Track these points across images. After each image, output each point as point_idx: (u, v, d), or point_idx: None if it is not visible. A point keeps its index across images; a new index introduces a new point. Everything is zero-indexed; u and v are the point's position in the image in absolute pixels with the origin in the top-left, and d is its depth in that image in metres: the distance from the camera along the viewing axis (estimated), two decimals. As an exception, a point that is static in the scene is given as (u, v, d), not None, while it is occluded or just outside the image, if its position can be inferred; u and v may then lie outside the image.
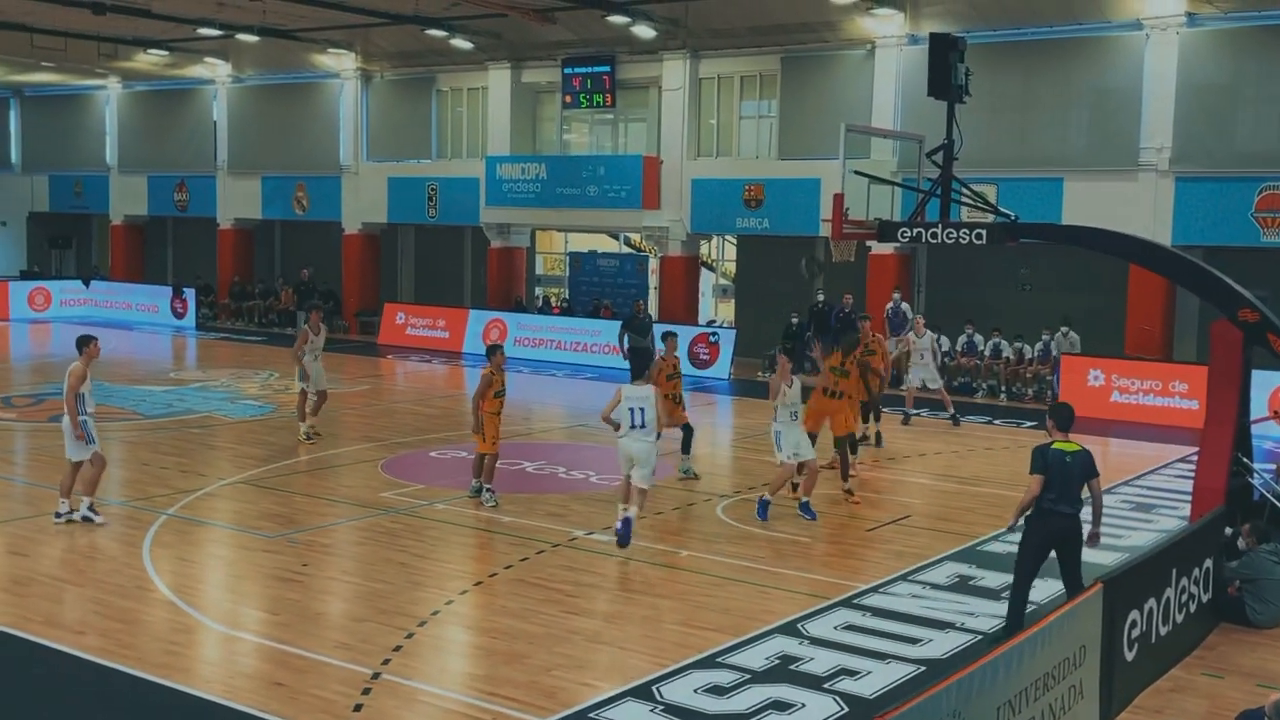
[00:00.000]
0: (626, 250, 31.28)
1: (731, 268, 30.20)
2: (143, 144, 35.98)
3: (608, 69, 27.24)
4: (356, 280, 31.88)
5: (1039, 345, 22.10)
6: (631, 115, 28.64)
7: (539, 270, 32.42)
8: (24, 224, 39.73)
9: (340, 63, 30.96)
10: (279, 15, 26.23)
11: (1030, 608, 9.04)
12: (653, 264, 28.94)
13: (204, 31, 27.65)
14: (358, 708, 7.73)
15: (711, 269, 30.37)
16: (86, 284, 35.15)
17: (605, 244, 31.47)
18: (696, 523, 12.80)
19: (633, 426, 11.56)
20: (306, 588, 10.32)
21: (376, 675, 8.26)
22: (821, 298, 24.44)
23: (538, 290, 31.82)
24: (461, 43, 27.53)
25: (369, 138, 31.49)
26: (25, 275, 37.67)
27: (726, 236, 29.26)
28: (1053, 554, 8.86)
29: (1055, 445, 8.74)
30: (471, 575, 10.67)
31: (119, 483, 14.23)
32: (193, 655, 8.82)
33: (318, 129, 32.23)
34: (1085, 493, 8.74)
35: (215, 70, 33.03)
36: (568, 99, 28.06)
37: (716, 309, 30.02)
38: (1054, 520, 8.63)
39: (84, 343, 12.24)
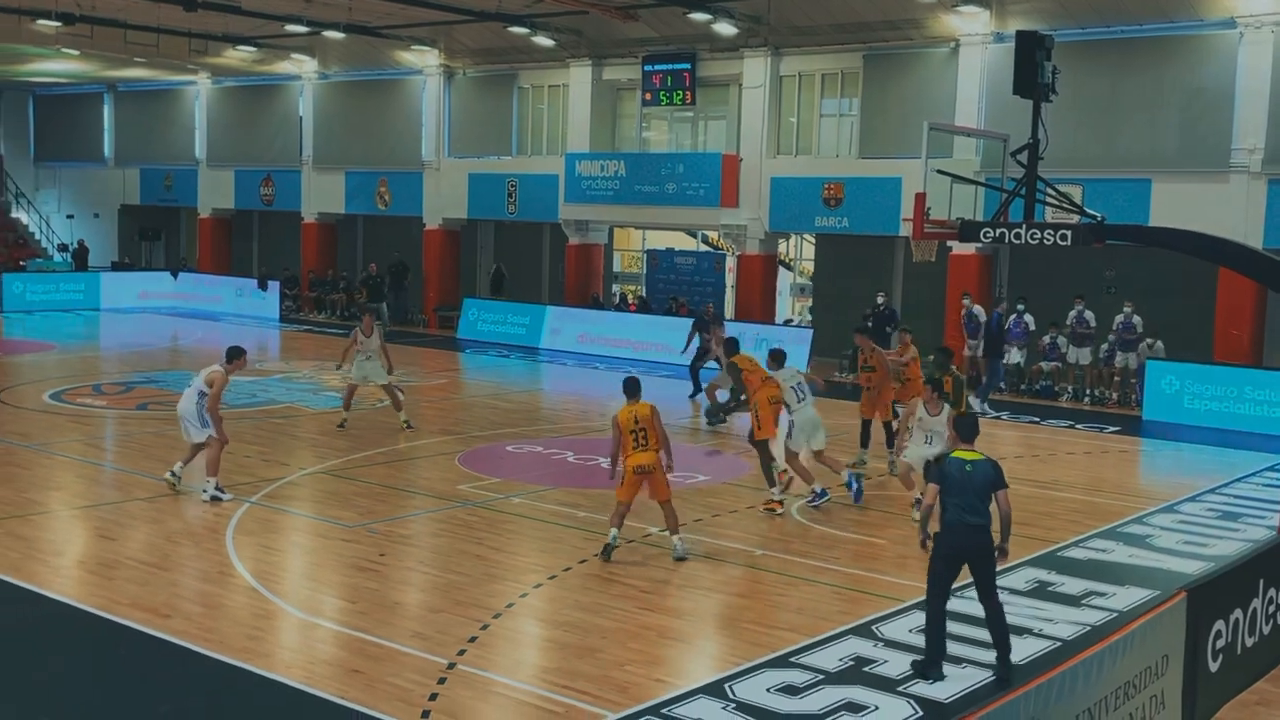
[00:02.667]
0: (704, 248, 31.24)
1: (809, 267, 30.03)
2: (231, 139, 36.72)
3: (688, 66, 27.22)
4: (436, 275, 32.22)
5: (1105, 346, 21.68)
6: (711, 113, 28.59)
7: (616, 267, 32.51)
8: (116, 216, 40.78)
9: (424, 59, 31.32)
10: (364, 12, 26.59)
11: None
12: (730, 262, 28.89)
13: (291, 28, 28.10)
14: (433, 697, 7.83)
15: (789, 268, 30.23)
16: (175, 276, 35.96)
17: (683, 242, 31.47)
18: (772, 522, 12.75)
19: (799, 401, 12.87)
20: (384, 577, 10.47)
21: (452, 665, 8.35)
22: (882, 300, 24.20)
23: (615, 287, 31.91)
24: (543, 40, 27.70)
25: (451, 134, 31.82)
26: (116, 266, 38.69)
27: (805, 235, 29.09)
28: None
29: (954, 454, 8.35)
30: (546, 569, 10.73)
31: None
32: (273, 641, 8.99)
33: (401, 125, 32.64)
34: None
35: (302, 66, 33.59)
36: (648, 96, 28.09)
37: (794, 308, 29.87)
38: (960, 533, 8.10)
39: (235, 354, 13.05)
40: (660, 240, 31.42)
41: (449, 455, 15.51)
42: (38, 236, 40.43)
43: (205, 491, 12.70)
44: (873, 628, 9.27)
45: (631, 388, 11.23)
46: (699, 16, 24.81)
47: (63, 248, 39.31)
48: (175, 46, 31.15)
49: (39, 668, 8.29)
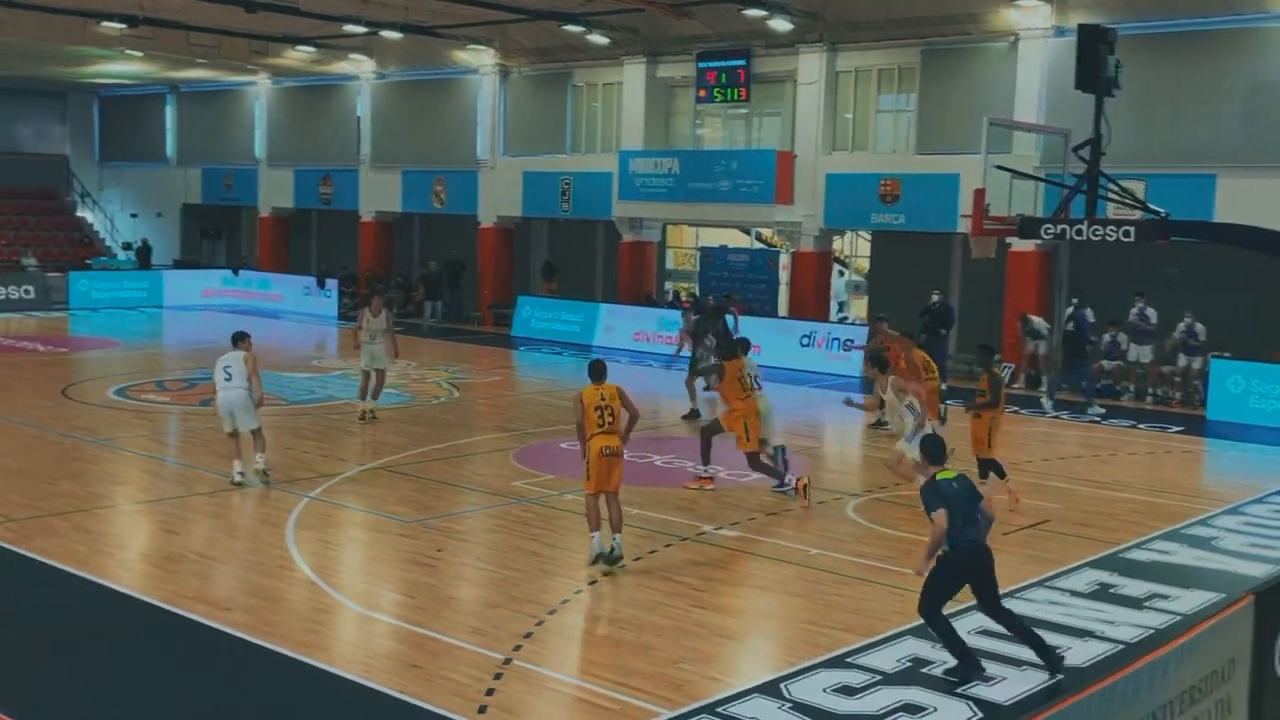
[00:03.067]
0: (758, 245, 31.14)
1: (865, 264, 29.82)
2: (290, 138, 37.16)
3: (743, 63, 27.13)
4: (491, 273, 32.39)
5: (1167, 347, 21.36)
6: (766, 109, 28.48)
7: (669, 265, 32.49)
8: (178, 215, 41.41)
9: (479, 58, 31.49)
10: (421, 12, 26.79)
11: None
12: (784, 259, 28.77)
13: (349, 28, 28.39)
14: (490, 692, 7.86)
15: (844, 265, 30.05)
16: (235, 273, 36.45)
17: (736, 239, 31.39)
18: (826, 521, 12.68)
19: (755, 391, 13.24)
20: (441, 573, 10.54)
21: (508, 661, 8.39)
22: (937, 297, 23.95)
23: (668, 284, 31.90)
24: (598, 38, 27.74)
25: (506, 132, 31.97)
26: (178, 264, 39.30)
27: (860, 232, 28.90)
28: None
29: (940, 477, 8.26)
30: (601, 566, 10.73)
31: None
32: (332, 634, 9.08)
33: (456, 124, 32.84)
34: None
35: (360, 66, 33.91)
36: (702, 93, 28.04)
37: (849, 305, 29.70)
38: (968, 549, 8.14)
39: (242, 336, 13.73)
40: (714, 237, 31.36)
41: (504, 452, 15.59)
42: (102, 235, 41.17)
43: (261, 465, 13.44)
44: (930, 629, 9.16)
45: (596, 371, 10.91)
46: (754, 13, 24.72)
47: (127, 246, 40.00)
48: (236, 47, 31.59)
49: (106, 659, 8.43)
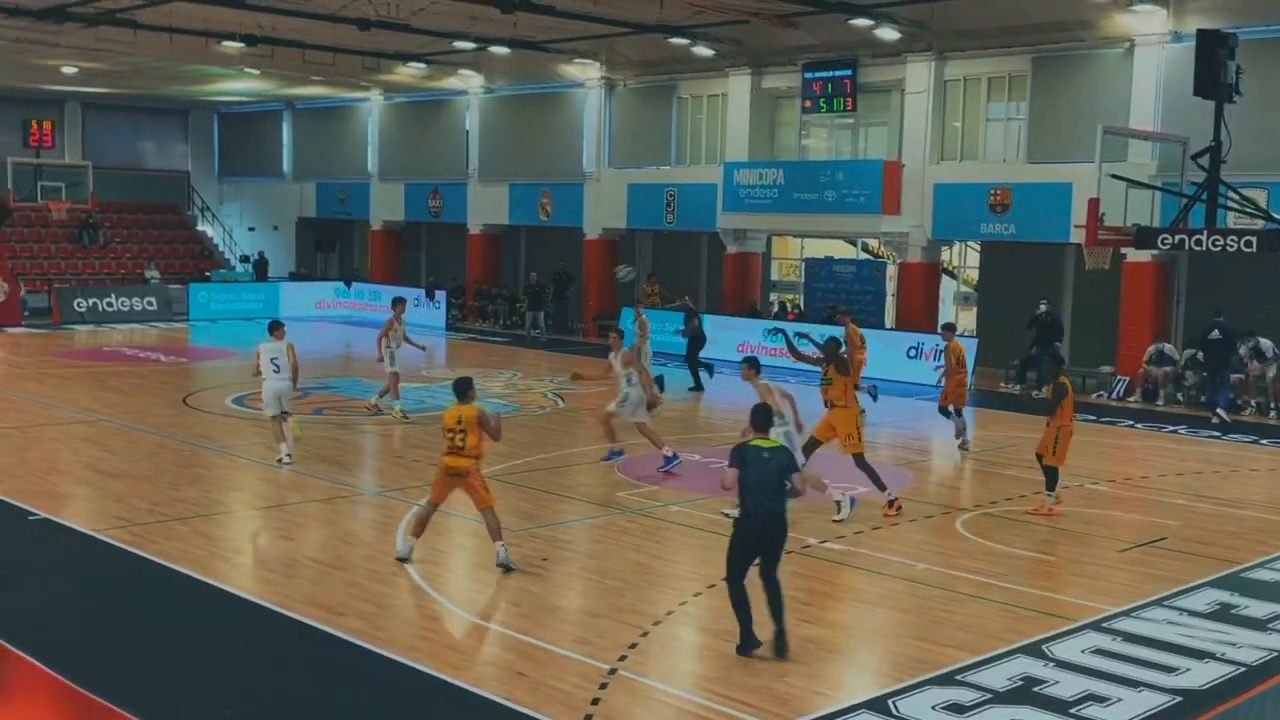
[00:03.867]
0: (864, 256, 30.85)
1: (974, 274, 29.35)
2: (401, 153, 37.92)
3: (849, 73, 26.95)
4: (596, 284, 32.62)
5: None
6: (872, 119, 28.23)
7: (774, 276, 32.37)
8: (293, 228, 42.55)
9: (585, 72, 31.78)
10: (529, 27, 27.14)
11: None
12: (891, 270, 28.46)
13: (459, 45, 28.89)
14: (595, 701, 7.91)
15: (953, 276, 29.60)
16: (348, 285, 37.29)
17: (842, 250, 31.13)
18: (934, 536, 12.50)
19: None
20: (546, 581, 10.64)
21: (613, 671, 8.43)
22: (1044, 307, 23.46)
23: (772, 296, 31.77)
24: (703, 50, 27.81)
25: (611, 145, 32.20)
26: (293, 276, 40.36)
27: (969, 243, 28.45)
28: None
29: (753, 442, 8.77)
30: (704, 578, 10.73)
31: (374, 473, 15.07)
32: (440, 641, 9.22)
33: (562, 137, 33.18)
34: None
35: (469, 81, 34.48)
36: (807, 104, 27.91)
37: (957, 317, 29.23)
38: (761, 519, 8.59)
39: (276, 326, 15.52)
40: (819, 248, 31.15)
41: (608, 463, 15.66)
42: (221, 248, 42.46)
43: (288, 458, 14.85)
44: (1043, 647, 8.99)
45: (461, 388, 10.79)
46: (861, 22, 24.54)
47: (244, 259, 41.21)
48: (350, 65, 32.36)
49: (221, 660, 8.68)
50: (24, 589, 10.29)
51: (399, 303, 19.26)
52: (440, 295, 34.66)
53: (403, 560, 10.88)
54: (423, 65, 32.26)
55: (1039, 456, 13.32)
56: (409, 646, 8.85)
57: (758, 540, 8.67)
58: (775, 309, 30.76)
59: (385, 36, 28.19)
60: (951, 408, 17.39)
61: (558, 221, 33.51)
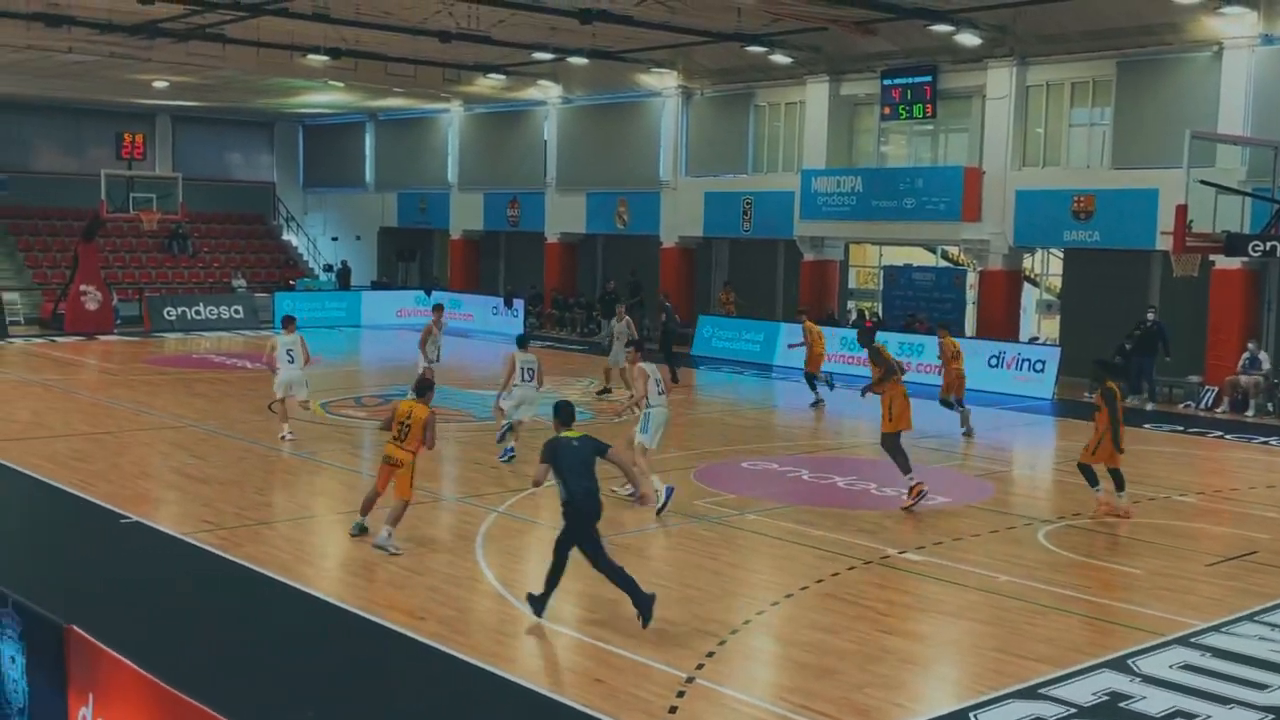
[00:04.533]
0: (943, 264, 30.53)
1: (1057, 282, 28.90)
2: (480, 163, 38.34)
3: (929, 79, 26.71)
4: (672, 293, 32.62)
5: None
6: (952, 125, 27.95)
7: (851, 284, 32.16)
8: (375, 238, 43.21)
9: (662, 81, 31.88)
10: (607, 37, 27.31)
11: None
12: (971, 278, 28.13)
13: (538, 56, 29.15)
14: (673, 710, 7.92)
15: (1035, 283, 29.18)
16: (428, 294, 37.75)
17: (921, 257, 30.84)
18: (1016, 548, 12.32)
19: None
20: (623, 589, 10.66)
21: (690, 679, 8.44)
22: (1152, 316, 22.98)
23: (850, 304, 31.57)
24: (781, 58, 27.75)
25: (688, 153, 32.25)
26: (375, 285, 40.97)
27: (1052, 250, 28.03)
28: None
29: (563, 435, 9.73)
30: (782, 587, 10.70)
31: (454, 480, 15.23)
32: (519, 647, 9.30)
33: (639, 146, 33.31)
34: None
35: (547, 92, 34.76)
36: (886, 110, 27.72)
37: (1039, 325, 28.80)
38: (582, 498, 9.44)
39: (289, 320, 17.78)
40: (898, 256, 30.90)
41: (684, 471, 15.67)
42: (305, 258, 43.26)
43: (290, 435, 16.83)
44: (1129, 662, 8.82)
45: (421, 389, 11.66)
46: (941, 28, 24.31)
47: (328, 268, 41.94)
48: (431, 76, 32.82)
49: (305, 662, 8.85)
50: (117, 590, 10.57)
51: (439, 309, 19.98)
52: (518, 304, 34.96)
53: (354, 535, 11.90)
54: (502, 76, 32.60)
55: (1083, 467, 13.38)
56: (489, 652, 8.94)
57: (585, 518, 9.52)
58: (853, 317, 30.56)
59: (465, 48, 28.55)
60: (953, 398, 18.82)
61: (634, 230, 33.63)
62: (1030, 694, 8.19)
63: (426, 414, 11.51)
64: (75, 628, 6.46)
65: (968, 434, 18.59)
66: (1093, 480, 13.28)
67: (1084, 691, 8.23)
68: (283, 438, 16.80)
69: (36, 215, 38.57)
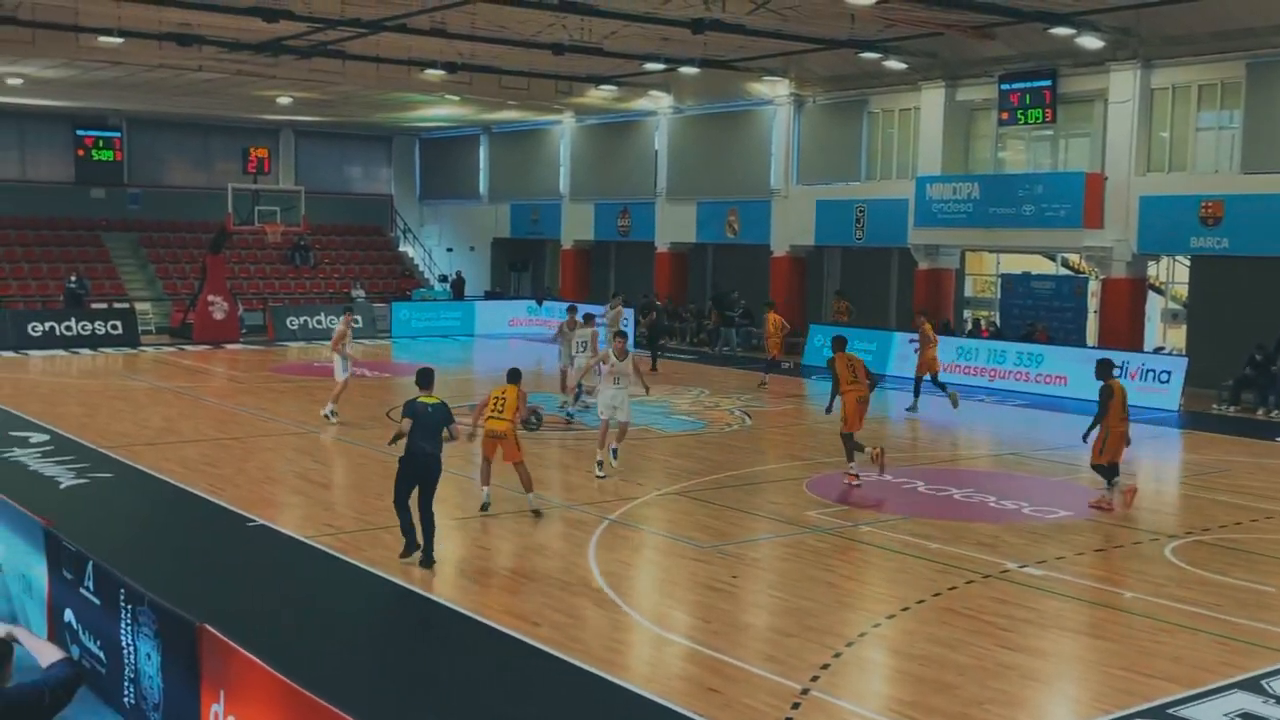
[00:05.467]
0: (1063, 272, 29.83)
1: (1183, 290, 28.02)
2: (591, 173, 38.66)
3: (1048, 83, 26.16)
4: (783, 302, 32.46)
5: None
6: (1073, 130, 27.31)
7: (968, 292, 31.62)
8: (488, 249, 43.87)
9: (774, 89, 31.77)
10: (719, 47, 27.33)
11: None
12: (1093, 286, 27.43)
13: (650, 66, 29.30)
14: (787, 720, 7.88)
15: (1160, 292, 28.33)
16: (539, 304, 38.18)
17: (1040, 265, 30.19)
18: (1142, 563, 11.97)
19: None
20: (736, 599, 10.65)
21: (805, 691, 8.37)
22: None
23: (966, 313, 31.03)
24: (895, 63, 27.44)
25: (799, 161, 32.07)
26: (488, 295, 41.58)
27: (1178, 257, 27.19)
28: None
29: (419, 399, 11.34)
30: (898, 600, 10.56)
31: (566, 487, 15.35)
32: (632, 654, 9.33)
33: (750, 154, 33.24)
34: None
35: (658, 102, 34.91)
36: (1004, 116, 27.21)
37: (1165, 335, 27.94)
38: (419, 457, 11.09)
39: (344, 310, 19.11)
40: (1015, 264, 30.29)
41: (796, 481, 15.58)
42: (421, 268, 44.11)
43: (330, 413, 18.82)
44: (1263, 683, 8.51)
45: (424, 378, 11.95)
46: (1061, 31, 23.79)
47: (443, 278, 42.69)
48: (544, 89, 33.23)
49: (421, 664, 9.00)
50: (245, 592, 10.89)
51: (572, 310, 21.42)
52: (628, 313, 35.07)
53: (485, 512, 13.17)
54: (614, 87, 32.84)
55: (1096, 467, 14.11)
56: (602, 658, 8.99)
57: (416, 472, 11.15)
58: (969, 326, 30.04)
59: (578, 60, 28.83)
60: (928, 376, 21.55)
61: (745, 239, 33.56)
62: (1158, 714, 7.95)
63: (517, 391, 13.14)
64: (207, 626, 6.67)
65: (955, 405, 21.14)
66: (1110, 476, 13.91)
67: (1215, 713, 7.96)
68: (325, 415, 19.32)
69: (167, 228, 40.04)
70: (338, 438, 18.20)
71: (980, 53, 26.52)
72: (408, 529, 11.20)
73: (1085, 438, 14.01)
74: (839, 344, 15.91)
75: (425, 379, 11.72)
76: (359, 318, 35.59)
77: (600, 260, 40.29)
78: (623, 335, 16.95)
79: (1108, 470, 13.95)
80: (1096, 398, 14.22)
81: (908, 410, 21.96)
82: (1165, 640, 9.58)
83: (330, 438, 18.23)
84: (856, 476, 15.10)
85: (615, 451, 15.78)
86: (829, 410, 15.78)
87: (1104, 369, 14.16)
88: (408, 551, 11.21)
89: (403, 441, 11.34)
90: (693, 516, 13.65)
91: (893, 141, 30.12)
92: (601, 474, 15.36)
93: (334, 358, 20.12)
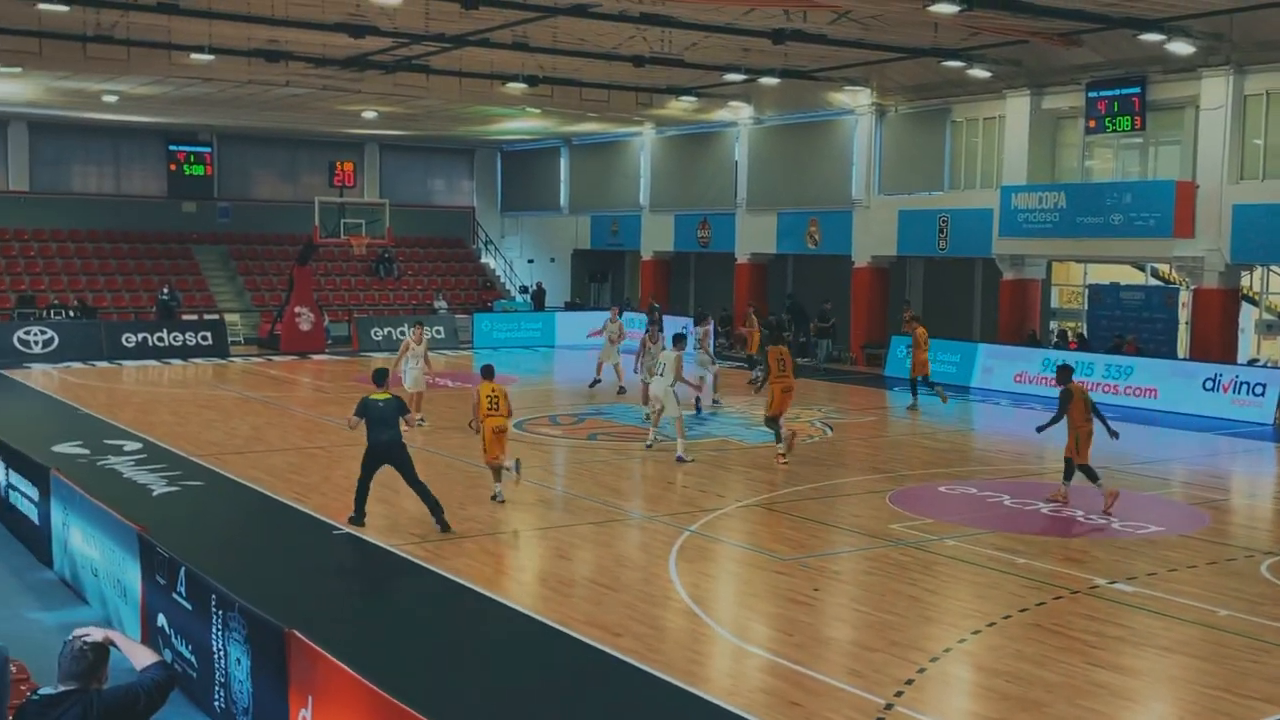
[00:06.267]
0: (1153, 282, 29.20)
1: (1279, 301, 27.26)
2: (671, 185, 38.71)
3: (1137, 90, 25.63)
4: (864, 313, 32.25)
5: None
6: (1163, 138, 26.73)
7: (1054, 303, 31.07)
8: (569, 260, 44.14)
9: (855, 99, 31.55)
10: (799, 57, 27.23)
11: None
12: (1184, 297, 26.80)
13: (730, 77, 29.27)
14: (870, 736, 7.79)
15: (1254, 302, 27.59)
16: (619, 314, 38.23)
17: (1129, 275, 29.57)
18: (1237, 580, 11.64)
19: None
20: (818, 612, 10.56)
21: (889, 706, 8.27)
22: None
23: (1052, 324, 30.50)
24: (979, 72, 27.09)
25: (881, 171, 31.81)
26: (568, 306, 41.81)
27: (1273, 267, 26.46)
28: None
29: (372, 396, 13.16)
30: (984, 615, 10.39)
31: (646, 498, 15.37)
32: (714, 666, 9.30)
33: (831, 164, 33.04)
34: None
35: (738, 113, 34.86)
36: (1091, 124, 26.71)
37: (1259, 347, 27.20)
38: (380, 445, 12.98)
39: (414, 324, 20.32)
40: (1104, 274, 29.70)
41: (879, 494, 15.42)
42: (502, 279, 44.51)
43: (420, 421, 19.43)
44: (1367, 707, 8.22)
45: (378, 377, 13.66)
46: (1150, 37, 23.30)
47: (523, 290, 43.03)
48: (624, 101, 33.36)
49: (508, 674, 9.06)
50: (332, 598, 11.07)
51: (653, 323, 22.11)
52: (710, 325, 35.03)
53: (499, 501, 14.40)
54: (694, 98, 32.87)
55: (1067, 460, 14.69)
56: (684, 670, 8.97)
57: (380, 458, 13.03)
58: (1055, 338, 29.52)
59: (658, 72, 28.90)
60: (920, 377, 23.16)
61: (826, 250, 33.34)
62: (1256, 737, 7.72)
63: (504, 389, 14.82)
64: (295, 632, 6.78)
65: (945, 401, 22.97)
66: (1093, 477, 14.32)
67: (1317, 737, 7.71)
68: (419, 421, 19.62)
69: (255, 241, 40.91)
70: (423, 447, 18.40)
71: (1066, 60, 26.09)
72: (362, 503, 13.19)
73: (1040, 430, 14.85)
74: (1064, 373, 15.09)
75: (379, 378, 13.52)
76: (431, 329, 36.16)
77: (680, 271, 40.30)
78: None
79: (1089, 471, 14.40)
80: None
81: (908, 409, 23.38)
82: (1263, 660, 9.31)
83: (415, 447, 18.42)
84: (785, 457, 17.17)
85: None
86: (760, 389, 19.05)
87: (1063, 374, 14.90)
88: (358, 520, 13.10)
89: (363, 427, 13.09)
90: (773, 528, 13.58)
91: (976, 150, 29.72)
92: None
93: (402, 371, 20.18)
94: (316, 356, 32.65)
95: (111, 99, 31.58)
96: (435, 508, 12.94)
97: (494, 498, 14.38)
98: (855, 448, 19.38)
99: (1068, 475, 14.73)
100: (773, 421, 17.53)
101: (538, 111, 34.08)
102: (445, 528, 12.80)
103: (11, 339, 30.52)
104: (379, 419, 12.97)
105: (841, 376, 29.24)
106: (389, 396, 13.16)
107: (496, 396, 14.37)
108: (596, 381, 24.97)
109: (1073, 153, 28.23)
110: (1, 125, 37.61)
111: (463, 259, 44.38)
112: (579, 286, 43.89)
